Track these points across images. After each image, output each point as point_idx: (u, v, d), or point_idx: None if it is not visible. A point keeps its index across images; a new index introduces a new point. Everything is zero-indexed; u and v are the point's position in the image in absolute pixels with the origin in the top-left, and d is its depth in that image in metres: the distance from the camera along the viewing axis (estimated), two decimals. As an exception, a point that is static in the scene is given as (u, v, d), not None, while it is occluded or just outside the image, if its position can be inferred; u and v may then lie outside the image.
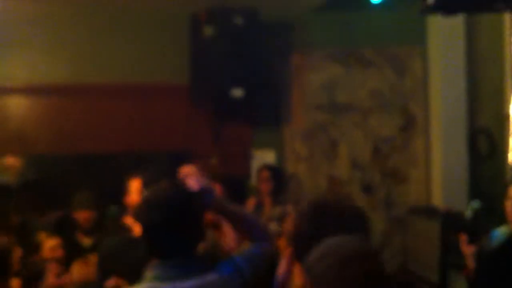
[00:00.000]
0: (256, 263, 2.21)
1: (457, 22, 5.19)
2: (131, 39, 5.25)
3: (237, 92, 4.95)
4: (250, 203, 4.85)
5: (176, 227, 2.03)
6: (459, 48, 5.41)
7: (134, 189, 3.72)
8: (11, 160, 5.06)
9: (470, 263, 3.90)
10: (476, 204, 4.50)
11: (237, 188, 4.06)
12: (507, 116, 4.96)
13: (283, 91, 5.52)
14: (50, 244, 3.68)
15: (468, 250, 3.83)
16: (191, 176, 2.25)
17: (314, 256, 1.57)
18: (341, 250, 1.56)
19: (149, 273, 2.05)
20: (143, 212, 2.09)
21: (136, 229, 2.84)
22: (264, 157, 5.39)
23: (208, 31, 4.99)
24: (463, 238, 4.00)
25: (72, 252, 3.91)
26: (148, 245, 2.08)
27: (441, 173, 5.45)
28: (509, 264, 2.93)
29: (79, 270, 3.44)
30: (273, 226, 4.66)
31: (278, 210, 4.80)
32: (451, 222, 4.86)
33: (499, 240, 3.35)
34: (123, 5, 5.11)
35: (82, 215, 4.55)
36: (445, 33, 5.39)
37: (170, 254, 2.04)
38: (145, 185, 3.60)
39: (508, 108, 4.96)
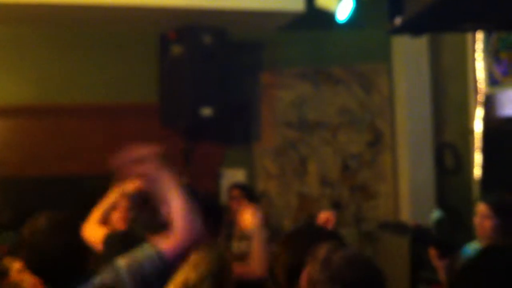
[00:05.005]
0: (142, 275, 2.03)
1: (421, 39, 5.31)
2: (99, 59, 5.23)
3: (207, 111, 4.97)
4: (221, 222, 4.85)
5: None
6: (424, 65, 5.53)
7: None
8: None
9: (442, 276, 3.95)
10: (437, 213, 4.58)
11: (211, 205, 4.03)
12: (472, 131, 5.08)
13: (253, 109, 5.56)
14: (16, 267, 3.62)
15: (439, 263, 3.89)
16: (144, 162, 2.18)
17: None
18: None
19: None
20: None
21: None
22: (234, 175, 5.40)
23: (177, 50, 5.01)
24: (433, 252, 4.05)
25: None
26: None
27: (408, 188, 5.53)
28: (480, 281, 2.97)
29: None
30: (243, 246, 4.68)
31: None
32: (420, 237, 4.93)
33: (472, 255, 3.41)
34: (90, 24, 5.10)
35: None
36: (410, 51, 5.51)
37: None
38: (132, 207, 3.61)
39: (472, 123, 5.08)
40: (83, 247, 2.16)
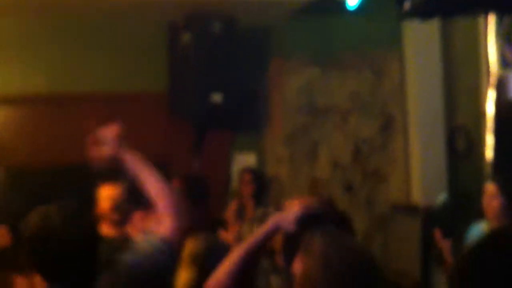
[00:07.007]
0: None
1: (433, 24, 5.27)
2: (108, 47, 5.24)
3: (217, 97, 4.98)
4: (232, 206, 4.88)
5: None
6: (435, 49, 5.50)
7: (105, 197, 3.70)
8: None
9: (448, 256, 3.96)
10: (442, 197, 4.57)
11: (201, 187, 3.96)
12: (484, 113, 5.05)
13: (262, 95, 5.56)
14: None
15: (443, 244, 3.90)
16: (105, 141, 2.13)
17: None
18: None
19: None
20: None
21: None
22: (245, 160, 5.43)
23: (186, 38, 5.02)
24: (437, 233, 4.06)
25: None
26: None
27: (420, 172, 5.52)
28: (491, 262, 2.96)
29: None
30: (255, 229, 4.70)
31: (260, 213, 4.83)
32: (428, 219, 4.94)
33: (478, 238, 3.40)
34: (98, 13, 5.11)
35: None
36: (421, 35, 5.47)
37: None
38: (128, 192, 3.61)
39: (484, 106, 5.05)
40: (96, 242, 1.99)
